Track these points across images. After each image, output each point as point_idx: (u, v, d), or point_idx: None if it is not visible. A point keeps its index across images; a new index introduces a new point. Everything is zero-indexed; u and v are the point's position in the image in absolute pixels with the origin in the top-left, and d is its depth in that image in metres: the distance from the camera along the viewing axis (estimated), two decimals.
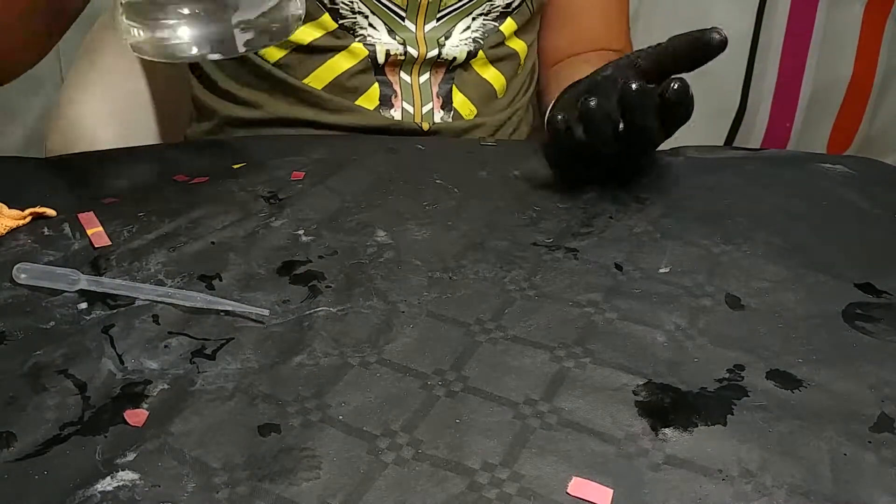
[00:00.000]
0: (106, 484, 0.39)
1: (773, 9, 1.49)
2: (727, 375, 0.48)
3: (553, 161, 0.71)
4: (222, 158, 0.71)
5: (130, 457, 0.41)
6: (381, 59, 0.80)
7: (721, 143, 1.52)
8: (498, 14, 0.83)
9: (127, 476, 0.40)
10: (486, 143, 0.78)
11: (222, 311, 0.51)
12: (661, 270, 0.57)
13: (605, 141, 0.62)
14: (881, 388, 0.47)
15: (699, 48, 0.60)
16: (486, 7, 0.81)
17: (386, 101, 0.81)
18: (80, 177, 0.67)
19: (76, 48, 0.97)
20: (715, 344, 0.50)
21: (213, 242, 0.59)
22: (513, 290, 0.55)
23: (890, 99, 1.60)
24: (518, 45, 0.86)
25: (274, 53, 0.80)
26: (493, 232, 0.62)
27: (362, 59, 0.80)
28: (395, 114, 0.81)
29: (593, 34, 0.90)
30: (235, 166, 0.69)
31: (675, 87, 0.59)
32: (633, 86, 0.60)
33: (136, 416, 0.43)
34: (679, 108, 0.61)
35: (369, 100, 0.81)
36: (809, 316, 0.53)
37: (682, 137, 0.79)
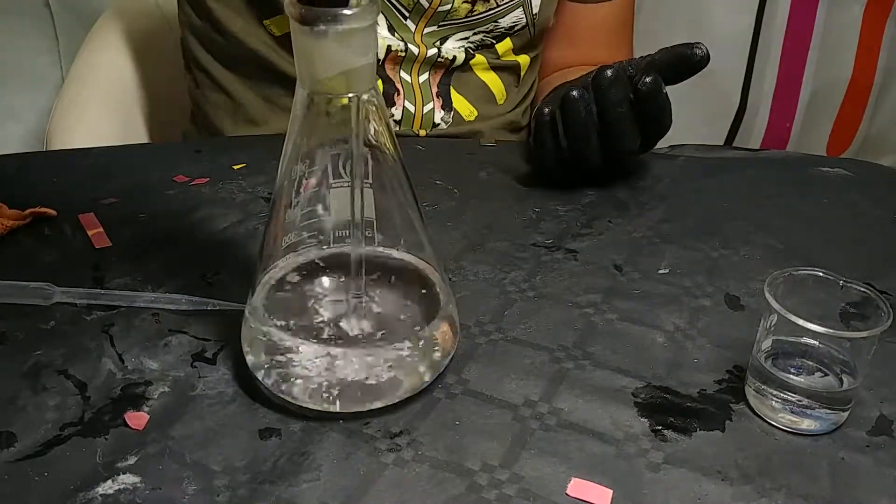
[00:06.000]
0: (107, 487, 0.39)
1: (773, 9, 1.49)
2: (726, 376, 0.48)
3: (536, 159, 0.69)
4: (222, 159, 0.71)
5: (131, 460, 0.41)
6: (380, 53, 0.80)
7: (721, 143, 1.52)
8: (500, 34, 0.83)
9: (128, 479, 0.40)
10: (486, 143, 0.78)
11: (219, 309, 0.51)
12: (661, 271, 0.58)
13: (582, 132, 0.64)
14: (879, 389, 0.47)
15: (684, 62, 0.63)
16: (490, 26, 0.82)
17: (388, 99, 0.81)
18: (81, 177, 0.67)
19: (76, 48, 0.97)
20: (714, 344, 0.51)
21: (213, 242, 0.59)
22: (512, 291, 0.55)
23: (890, 99, 1.60)
24: (520, 58, 0.87)
25: (282, 26, 0.79)
26: (493, 233, 0.62)
27: None
28: (396, 112, 0.81)
29: (594, 55, 0.90)
30: (235, 167, 0.69)
31: (648, 80, 0.61)
32: (608, 72, 0.62)
33: (137, 419, 0.43)
34: (653, 106, 0.63)
35: None
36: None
37: (683, 138, 0.79)
